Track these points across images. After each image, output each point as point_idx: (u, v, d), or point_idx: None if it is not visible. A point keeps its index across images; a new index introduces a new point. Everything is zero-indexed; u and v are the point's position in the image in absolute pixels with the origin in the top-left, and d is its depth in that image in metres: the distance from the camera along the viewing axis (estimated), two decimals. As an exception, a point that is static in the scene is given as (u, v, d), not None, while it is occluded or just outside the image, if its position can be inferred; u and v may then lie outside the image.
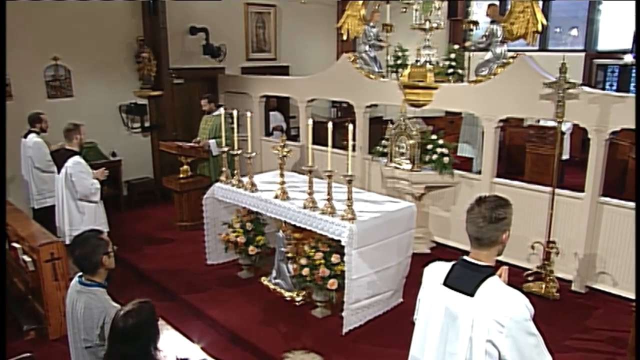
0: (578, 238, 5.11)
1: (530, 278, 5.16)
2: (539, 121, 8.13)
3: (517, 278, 5.24)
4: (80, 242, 2.85)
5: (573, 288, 5.15)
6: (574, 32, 11.38)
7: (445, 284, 2.18)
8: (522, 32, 5.46)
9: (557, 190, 5.12)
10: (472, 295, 2.07)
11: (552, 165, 5.23)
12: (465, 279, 2.13)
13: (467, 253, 2.20)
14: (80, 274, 2.88)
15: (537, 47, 10.28)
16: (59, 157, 5.21)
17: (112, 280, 4.85)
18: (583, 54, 10.76)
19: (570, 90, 4.81)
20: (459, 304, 2.11)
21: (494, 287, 2.08)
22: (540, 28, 5.33)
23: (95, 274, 2.84)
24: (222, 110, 6.82)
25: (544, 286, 5.03)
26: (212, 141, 7.06)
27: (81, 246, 2.82)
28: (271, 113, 9.31)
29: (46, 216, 5.71)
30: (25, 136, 6.09)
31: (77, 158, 5.04)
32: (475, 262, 2.14)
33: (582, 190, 5.08)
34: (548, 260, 5.06)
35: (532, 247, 5.17)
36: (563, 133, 6.17)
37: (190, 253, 6.08)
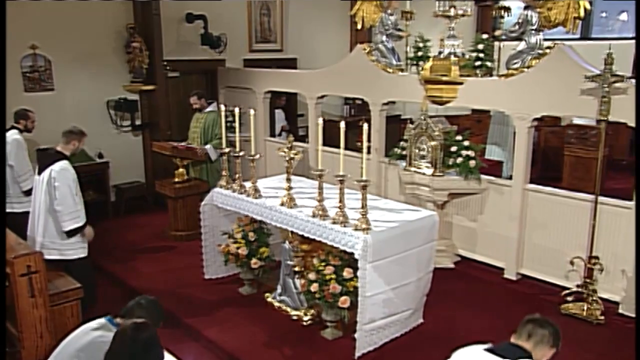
0: (625, 253, 5.03)
1: (569, 298, 5.10)
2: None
3: (554, 298, 5.20)
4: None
5: (620, 311, 5.07)
6: (624, 16, 11.21)
7: None
8: (561, 18, 5.41)
9: (601, 199, 5.06)
10: None
11: (595, 170, 5.18)
12: None
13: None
14: (113, 316, 3.14)
15: (578, 36, 10.19)
16: (45, 157, 5.00)
17: (97, 297, 4.84)
18: (633, 42, 10.61)
19: (617, 85, 4.75)
20: None
21: None
22: (582, 13, 5.29)
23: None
24: (215, 107, 6.79)
25: (585, 308, 4.97)
26: (208, 146, 7.10)
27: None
28: (276, 111, 9.35)
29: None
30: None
31: (65, 164, 4.85)
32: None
33: (630, 199, 5.02)
34: (590, 278, 5.00)
35: (571, 263, 5.11)
36: (607, 133, 6.09)
37: (185, 266, 6.10)
